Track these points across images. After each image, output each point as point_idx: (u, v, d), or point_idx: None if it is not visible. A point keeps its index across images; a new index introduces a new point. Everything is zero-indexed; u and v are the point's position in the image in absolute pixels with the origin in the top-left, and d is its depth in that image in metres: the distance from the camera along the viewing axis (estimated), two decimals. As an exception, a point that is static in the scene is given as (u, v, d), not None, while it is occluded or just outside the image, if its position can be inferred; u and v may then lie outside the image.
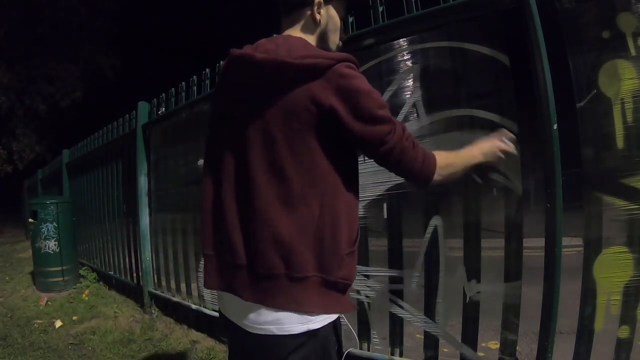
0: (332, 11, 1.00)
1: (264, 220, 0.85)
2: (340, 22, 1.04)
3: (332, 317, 0.90)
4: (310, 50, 0.89)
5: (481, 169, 1.01)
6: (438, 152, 0.97)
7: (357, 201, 0.94)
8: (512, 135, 1.10)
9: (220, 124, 0.96)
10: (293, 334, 0.85)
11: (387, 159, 0.90)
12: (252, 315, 0.88)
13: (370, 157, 0.92)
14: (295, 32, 0.98)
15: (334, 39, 1.03)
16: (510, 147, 1.08)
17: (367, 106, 0.84)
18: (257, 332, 0.88)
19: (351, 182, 0.92)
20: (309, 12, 0.97)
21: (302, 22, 0.98)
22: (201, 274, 2.60)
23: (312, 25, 0.98)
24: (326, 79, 0.82)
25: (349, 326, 1.02)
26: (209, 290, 2.69)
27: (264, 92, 0.86)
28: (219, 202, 0.92)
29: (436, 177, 0.94)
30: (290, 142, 0.84)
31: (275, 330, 0.86)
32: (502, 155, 1.07)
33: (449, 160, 0.97)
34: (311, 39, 0.98)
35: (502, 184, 1.56)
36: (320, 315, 0.87)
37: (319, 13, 0.97)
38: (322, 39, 1.01)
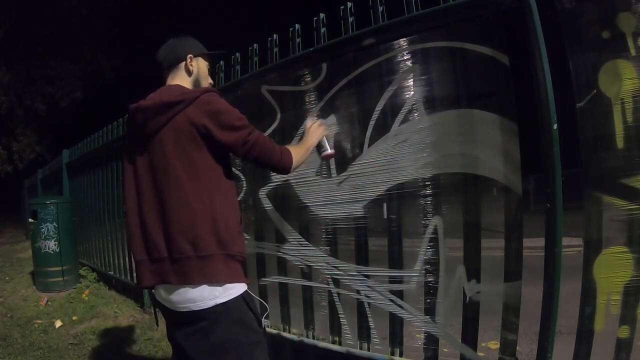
0: (201, 62, 1.35)
1: (173, 218, 1.13)
2: (208, 69, 1.39)
3: (237, 292, 1.15)
4: (182, 90, 1.22)
5: (319, 147, 1.49)
6: (290, 146, 1.34)
7: (235, 192, 1.27)
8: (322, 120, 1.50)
9: (132, 157, 1.25)
10: (205, 308, 1.11)
11: (250, 154, 1.21)
12: (176, 297, 1.15)
13: (238, 157, 1.25)
14: (175, 81, 1.30)
15: (205, 83, 1.36)
16: (322, 121, 1.53)
17: (228, 120, 1.17)
18: (181, 310, 1.15)
19: (228, 178, 1.23)
20: (183, 65, 1.31)
21: (180, 73, 1.31)
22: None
23: (187, 73, 1.32)
24: (196, 105, 1.15)
25: (259, 299, 1.29)
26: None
27: (156, 125, 1.16)
28: (141, 215, 1.20)
29: (294, 165, 1.31)
30: (180, 155, 1.14)
31: (192, 306, 1.13)
32: (323, 128, 1.49)
33: (300, 151, 1.36)
34: (187, 84, 1.31)
35: (502, 184, 1.56)
36: (226, 291, 1.12)
37: (192, 65, 1.31)
38: (196, 83, 1.33)
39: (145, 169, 1.20)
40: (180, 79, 1.30)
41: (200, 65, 1.34)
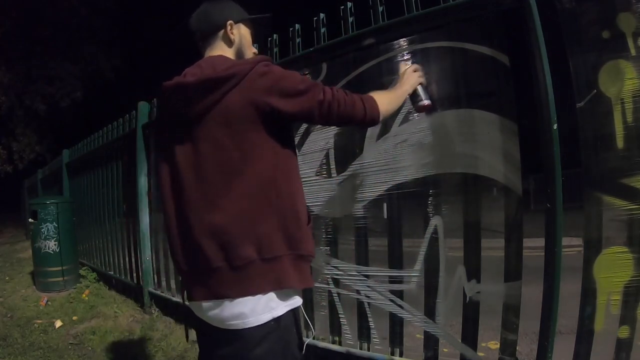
0: (243, 29, 1.15)
1: (231, 217, 0.94)
2: (252, 38, 1.19)
3: (294, 304, 1.00)
4: (230, 62, 1.03)
5: (414, 97, 1.26)
6: (376, 93, 1.12)
7: (301, 183, 1.07)
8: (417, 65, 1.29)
9: (169, 149, 1.04)
10: (258, 325, 0.94)
11: (330, 116, 1.01)
12: (225, 313, 0.96)
13: (317, 123, 1.07)
14: (215, 52, 1.11)
15: (249, 53, 1.17)
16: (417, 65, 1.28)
17: (290, 86, 0.97)
18: (225, 328, 0.97)
19: (293, 162, 1.05)
20: (222, 33, 1.11)
21: (219, 43, 1.12)
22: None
23: (228, 43, 1.12)
24: (249, 80, 0.95)
25: (306, 317, 1.09)
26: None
27: (202, 107, 0.96)
28: (182, 218, 1.00)
29: (383, 114, 1.10)
30: (237, 141, 0.95)
31: (240, 324, 0.94)
32: (420, 73, 1.26)
33: (389, 98, 1.15)
34: (229, 55, 1.11)
35: (502, 184, 1.56)
36: (286, 299, 0.97)
37: (232, 33, 1.11)
38: (239, 54, 1.14)
39: (189, 162, 0.99)
40: (221, 50, 1.11)
41: (242, 33, 1.15)
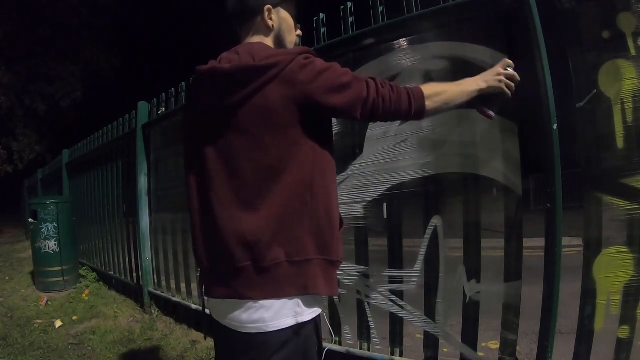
0: (283, 13, 1.06)
1: (263, 219, 0.88)
2: (294, 20, 1.09)
3: (317, 312, 0.95)
4: (270, 51, 0.94)
5: (485, 100, 1.08)
6: (427, 84, 1.03)
7: (336, 185, 1.01)
8: (510, 62, 1.10)
9: (197, 139, 0.97)
10: (278, 330, 0.89)
11: (376, 112, 0.95)
12: (245, 315, 0.91)
13: (361, 120, 0.97)
14: (254, 39, 1.03)
15: (290, 39, 1.09)
16: (514, 73, 1.08)
17: (333, 79, 0.90)
18: (247, 331, 0.91)
19: (331, 167, 0.99)
20: (260, 19, 1.03)
21: (257, 30, 1.04)
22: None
23: (266, 30, 1.04)
24: (291, 71, 0.87)
25: (327, 324, 1.05)
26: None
27: (238, 98, 0.88)
28: (208, 214, 0.94)
29: (429, 107, 1.00)
30: (274, 136, 0.88)
31: (263, 327, 0.89)
32: (506, 81, 1.08)
33: (439, 89, 1.03)
34: (268, 42, 1.04)
35: (502, 184, 1.56)
36: (309, 307, 0.92)
37: (271, 18, 1.03)
38: (279, 41, 1.06)
39: (219, 156, 0.93)
40: (259, 37, 1.03)
41: (283, 17, 1.06)
